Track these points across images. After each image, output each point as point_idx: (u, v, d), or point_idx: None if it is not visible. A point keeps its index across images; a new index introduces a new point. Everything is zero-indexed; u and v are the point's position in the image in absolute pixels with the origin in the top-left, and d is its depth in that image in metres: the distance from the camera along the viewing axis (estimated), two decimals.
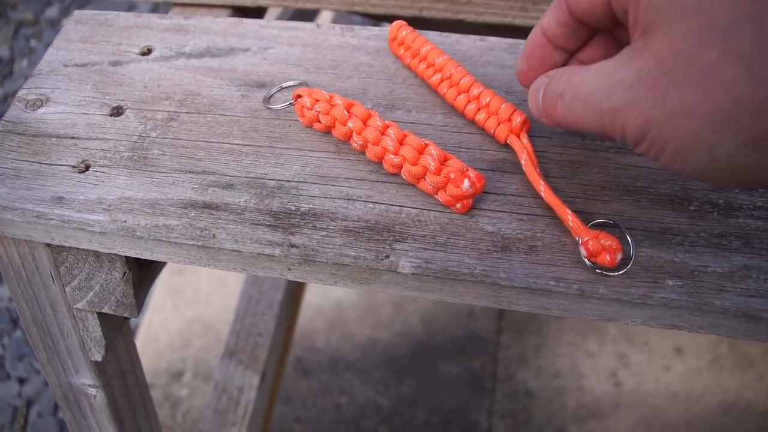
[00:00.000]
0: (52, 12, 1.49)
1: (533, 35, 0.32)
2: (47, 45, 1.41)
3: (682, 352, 1.01)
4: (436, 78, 0.37)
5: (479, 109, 0.35)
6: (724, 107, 0.22)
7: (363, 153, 0.35)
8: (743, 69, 0.22)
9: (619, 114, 0.26)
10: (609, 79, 0.26)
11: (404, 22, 0.39)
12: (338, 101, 0.35)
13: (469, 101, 0.36)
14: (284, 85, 0.38)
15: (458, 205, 0.33)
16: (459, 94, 0.36)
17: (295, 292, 0.81)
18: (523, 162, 0.33)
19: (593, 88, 0.27)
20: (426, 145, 0.33)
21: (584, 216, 0.33)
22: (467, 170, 0.32)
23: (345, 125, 0.34)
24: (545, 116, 0.30)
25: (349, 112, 0.34)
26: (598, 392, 0.98)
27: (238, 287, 1.08)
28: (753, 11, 0.22)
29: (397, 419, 0.96)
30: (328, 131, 0.36)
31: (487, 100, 0.35)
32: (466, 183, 0.31)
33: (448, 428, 0.95)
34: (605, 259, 0.30)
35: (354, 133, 0.34)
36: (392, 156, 0.33)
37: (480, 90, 0.35)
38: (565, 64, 0.32)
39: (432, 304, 1.06)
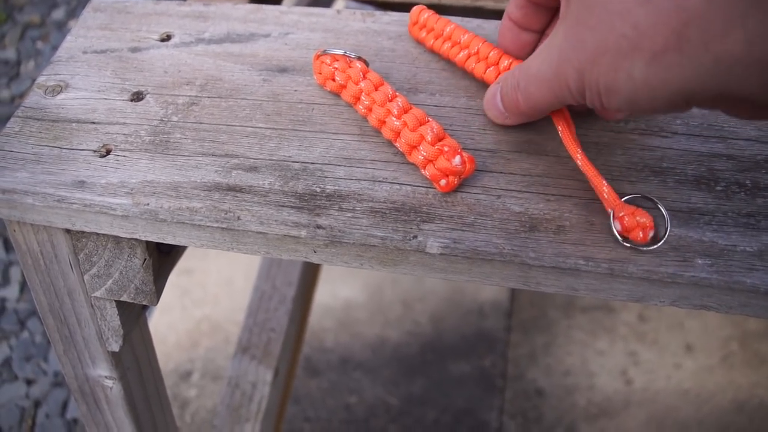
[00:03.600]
0: (58, 14, 1.49)
1: (503, 20, 0.36)
2: (54, 47, 1.41)
3: (693, 349, 1.00)
4: (462, 55, 0.37)
5: None
6: (626, 34, 0.25)
7: (379, 131, 0.35)
8: None
9: (561, 75, 0.29)
10: (547, 50, 0.29)
11: (424, 6, 0.39)
12: (357, 65, 0.36)
13: (499, 73, 0.35)
14: (329, 50, 0.37)
15: (443, 182, 0.32)
16: (488, 67, 0.36)
17: (307, 287, 0.80)
18: (560, 129, 0.33)
19: (538, 64, 0.30)
20: (428, 120, 0.34)
21: None
22: (461, 150, 0.32)
23: (357, 85, 0.35)
24: (509, 115, 0.34)
25: (364, 76, 0.35)
26: (609, 390, 0.97)
27: (246, 287, 1.07)
28: None
29: (407, 418, 0.95)
30: (339, 92, 0.37)
31: None
32: (457, 159, 0.32)
33: (458, 427, 0.95)
34: (638, 235, 0.30)
35: (363, 95, 0.35)
36: (394, 119, 0.34)
37: (510, 61, 0.35)
38: (535, 43, 0.35)
39: (441, 303, 1.06)
